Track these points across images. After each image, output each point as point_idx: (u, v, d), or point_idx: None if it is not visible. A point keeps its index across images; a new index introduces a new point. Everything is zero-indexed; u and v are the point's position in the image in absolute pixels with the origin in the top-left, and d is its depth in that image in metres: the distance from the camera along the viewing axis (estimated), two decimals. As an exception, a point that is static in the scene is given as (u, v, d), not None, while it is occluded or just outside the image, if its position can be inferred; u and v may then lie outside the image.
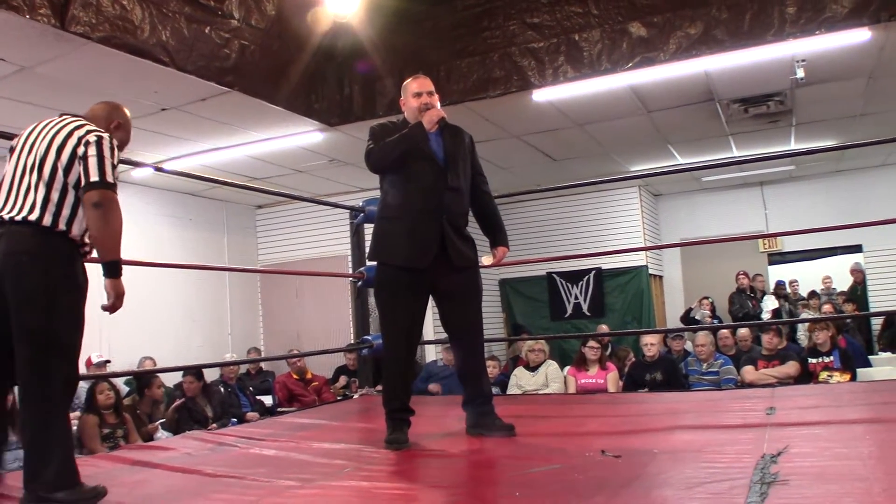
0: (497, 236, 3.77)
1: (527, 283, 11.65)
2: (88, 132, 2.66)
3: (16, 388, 2.63)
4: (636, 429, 3.62)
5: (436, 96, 3.59)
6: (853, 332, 9.08)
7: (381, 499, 2.51)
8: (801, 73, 6.34)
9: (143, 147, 7.41)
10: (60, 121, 2.75)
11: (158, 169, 6.25)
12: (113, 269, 2.65)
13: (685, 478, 2.42)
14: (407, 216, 3.44)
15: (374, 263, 3.64)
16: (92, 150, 2.60)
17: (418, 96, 3.54)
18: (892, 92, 7.24)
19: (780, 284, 10.78)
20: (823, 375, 6.35)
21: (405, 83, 3.65)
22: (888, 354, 8.46)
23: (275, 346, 10.54)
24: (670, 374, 6.69)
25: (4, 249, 2.54)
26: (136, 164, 5.54)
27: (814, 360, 6.47)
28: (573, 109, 7.29)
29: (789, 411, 3.72)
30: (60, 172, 2.61)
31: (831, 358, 6.41)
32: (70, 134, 2.66)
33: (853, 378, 6.31)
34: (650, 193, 11.73)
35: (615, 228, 10.97)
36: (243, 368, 8.87)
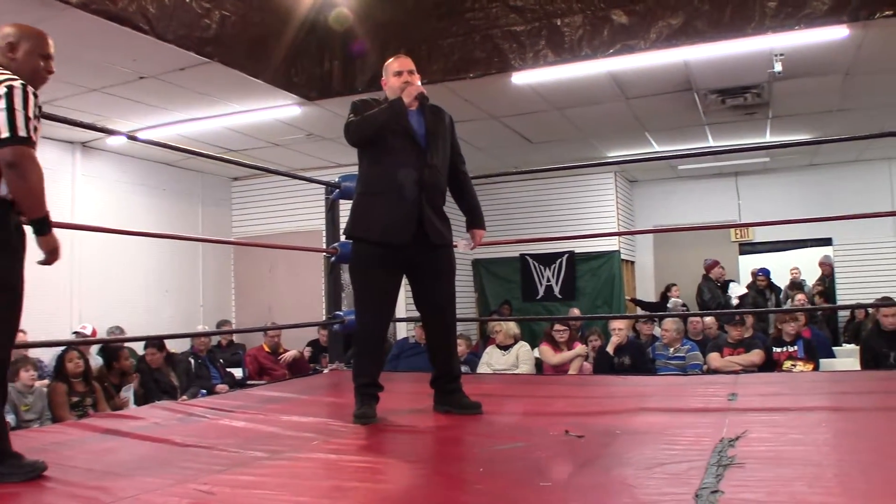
0: (474, 218, 3.81)
1: (500, 263, 11.71)
2: None
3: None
4: (601, 410, 3.68)
5: (416, 76, 3.60)
6: (820, 323, 9.23)
7: (348, 471, 2.55)
8: (778, 67, 6.40)
9: (119, 115, 7.35)
10: None
11: (132, 138, 6.18)
12: (40, 226, 2.48)
13: (645, 458, 2.48)
14: (386, 193, 3.45)
15: (349, 239, 3.65)
16: (0, 104, 2.36)
17: (399, 75, 3.55)
18: (867, 89, 7.34)
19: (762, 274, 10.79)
20: (787, 364, 6.46)
21: (387, 63, 3.65)
22: (851, 346, 8.61)
23: (246, 319, 10.54)
24: (638, 358, 6.78)
25: None
26: (109, 132, 5.51)
27: (778, 350, 6.58)
28: (552, 93, 7.32)
29: (751, 398, 3.80)
30: None
31: (795, 347, 6.52)
32: None
33: (816, 368, 6.43)
34: (626, 180, 11.81)
35: (589, 213, 11.04)
36: (214, 340, 8.87)
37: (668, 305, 10.24)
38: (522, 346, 7.10)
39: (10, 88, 2.37)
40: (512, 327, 7.21)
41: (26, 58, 2.56)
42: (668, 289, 10.92)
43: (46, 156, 7.97)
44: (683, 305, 10.38)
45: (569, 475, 2.33)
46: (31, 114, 2.39)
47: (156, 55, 5.88)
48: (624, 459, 2.54)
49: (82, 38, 5.48)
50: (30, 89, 2.43)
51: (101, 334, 8.10)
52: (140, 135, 6.44)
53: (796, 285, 10.42)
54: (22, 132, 2.36)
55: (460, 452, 2.97)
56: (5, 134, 2.34)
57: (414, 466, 2.62)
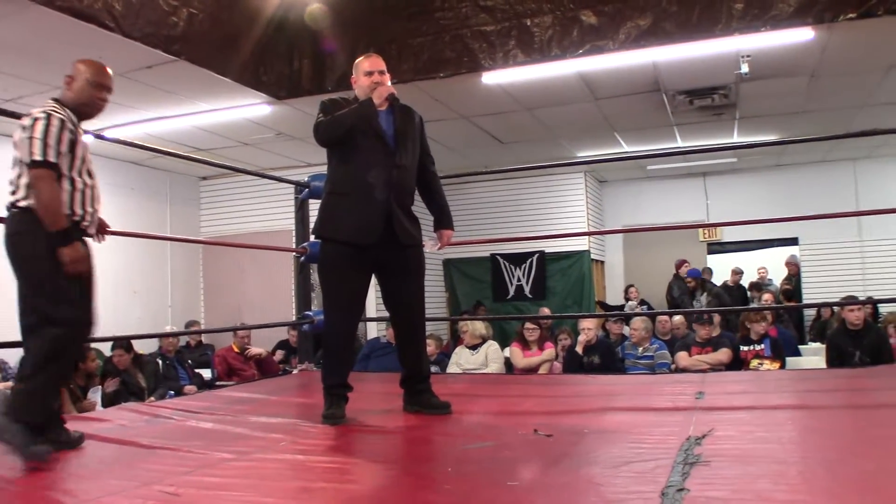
0: (442, 218, 3.80)
1: (470, 263, 11.73)
2: (28, 118, 2.80)
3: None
4: (570, 409, 3.70)
5: (387, 76, 3.59)
6: (786, 322, 9.35)
7: (316, 472, 2.54)
8: (745, 69, 6.48)
9: (86, 113, 7.25)
10: None
11: (99, 136, 6.09)
12: (57, 238, 2.79)
13: (612, 457, 2.49)
14: (354, 192, 3.43)
15: (318, 239, 3.64)
16: (25, 134, 2.76)
17: (369, 75, 3.54)
18: (832, 90, 7.45)
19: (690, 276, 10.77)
20: (754, 363, 6.52)
21: (357, 61, 3.63)
22: (817, 345, 8.73)
23: (215, 319, 10.45)
24: (607, 357, 6.81)
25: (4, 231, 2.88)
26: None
27: (745, 348, 6.64)
28: (522, 93, 7.34)
29: (717, 396, 3.83)
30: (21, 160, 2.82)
31: (762, 346, 6.58)
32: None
33: (782, 366, 6.50)
34: (595, 180, 11.88)
35: (560, 213, 11.10)
36: (183, 341, 8.79)
37: (626, 308, 10.33)
38: (491, 346, 7.09)
39: (35, 120, 2.76)
40: (479, 328, 7.19)
41: (80, 87, 2.94)
42: (626, 290, 11.03)
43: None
44: (641, 304, 10.49)
45: (537, 474, 2.34)
46: (51, 140, 2.75)
47: (122, 53, 5.79)
48: (591, 458, 2.55)
49: (47, 35, 5.40)
50: (55, 119, 2.77)
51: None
52: (107, 133, 6.34)
53: (755, 286, 10.54)
54: (37, 156, 2.73)
55: (429, 452, 2.96)
56: (26, 159, 2.75)
57: (382, 467, 2.61)
